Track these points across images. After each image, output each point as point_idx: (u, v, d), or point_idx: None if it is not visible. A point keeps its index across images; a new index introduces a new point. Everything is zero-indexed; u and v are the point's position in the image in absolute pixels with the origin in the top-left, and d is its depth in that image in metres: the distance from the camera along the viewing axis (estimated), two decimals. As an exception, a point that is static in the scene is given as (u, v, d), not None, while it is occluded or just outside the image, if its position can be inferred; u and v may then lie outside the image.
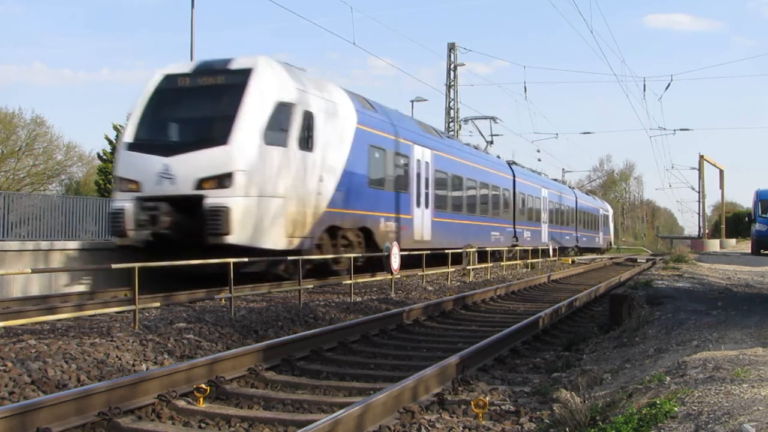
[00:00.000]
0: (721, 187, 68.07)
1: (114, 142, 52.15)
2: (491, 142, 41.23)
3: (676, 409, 4.63)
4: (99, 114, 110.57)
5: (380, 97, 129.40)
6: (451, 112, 44.57)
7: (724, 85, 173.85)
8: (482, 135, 41.28)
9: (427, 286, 20.19)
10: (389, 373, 8.16)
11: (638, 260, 48.78)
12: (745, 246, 49.46)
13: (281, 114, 16.45)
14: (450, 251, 23.23)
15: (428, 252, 21.95)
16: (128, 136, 16.81)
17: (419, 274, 22.94)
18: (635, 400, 5.24)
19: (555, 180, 50.37)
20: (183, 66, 17.70)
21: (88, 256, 19.19)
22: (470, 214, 29.53)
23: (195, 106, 16.95)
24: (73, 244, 19.03)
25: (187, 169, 15.56)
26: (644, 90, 55.32)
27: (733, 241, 61.53)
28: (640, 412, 4.69)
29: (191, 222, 15.58)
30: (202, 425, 6.14)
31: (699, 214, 68.88)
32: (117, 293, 16.88)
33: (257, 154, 15.81)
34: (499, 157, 38.04)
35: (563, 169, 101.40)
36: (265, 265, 16.02)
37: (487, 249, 29.09)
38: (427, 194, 24.67)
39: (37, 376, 7.15)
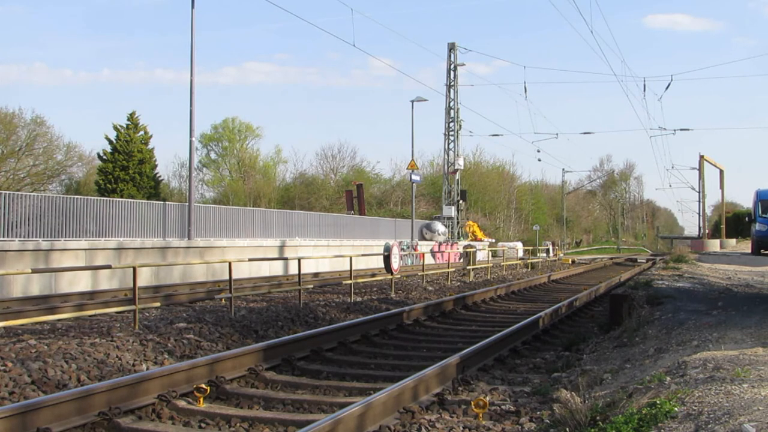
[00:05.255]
0: (721, 187, 68.10)
1: (114, 142, 52.51)
2: None
3: (676, 409, 4.63)
4: (99, 114, 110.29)
5: (380, 97, 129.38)
6: (451, 112, 44.58)
7: (724, 85, 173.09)
8: None
9: (428, 286, 20.19)
10: (389, 373, 8.15)
11: (638, 260, 48.84)
12: (745, 246, 49.42)
13: None
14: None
15: None
16: None
17: (419, 274, 22.97)
18: (635, 400, 5.23)
19: None
20: None
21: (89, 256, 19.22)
22: None
23: None
24: (73, 244, 19.04)
25: None
26: (644, 90, 55.01)
27: (733, 241, 61.44)
28: (640, 412, 4.69)
29: None
30: (202, 425, 6.13)
31: (699, 214, 68.90)
32: (117, 293, 16.89)
33: None
34: None
35: (563, 169, 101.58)
36: None
37: None
38: None
39: (37, 376, 7.15)
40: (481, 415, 6.10)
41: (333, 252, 31.32)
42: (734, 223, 66.13)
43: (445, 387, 7.11)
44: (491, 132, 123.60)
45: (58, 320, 11.29)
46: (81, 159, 58.73)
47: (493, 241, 55.73)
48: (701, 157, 65.26)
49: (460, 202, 46.46)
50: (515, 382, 7.78)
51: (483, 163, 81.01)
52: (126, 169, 51.29)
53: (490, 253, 40.25)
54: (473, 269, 26.74)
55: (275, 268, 26.45)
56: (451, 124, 44.66)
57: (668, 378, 5.80)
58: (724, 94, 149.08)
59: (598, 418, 5.11)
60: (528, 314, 13.69)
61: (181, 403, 6.61)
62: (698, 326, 9.03)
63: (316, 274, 24.92)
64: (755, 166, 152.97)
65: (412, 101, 37.58)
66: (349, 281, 16.32)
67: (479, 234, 51.08)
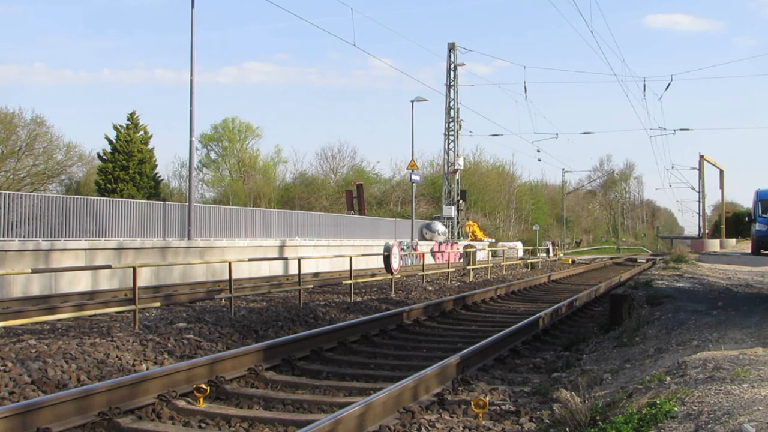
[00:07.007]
0: (721, 187, 68.10)
1: (114, 142, 52.51)
2: None
3: (676, 409, 4.63)
4: (99, 114, 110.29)
5: (380, 97, 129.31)
6: (451, 112, 44.58)
7: (724, 85, 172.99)
8: None
9: (427, 286, 20.19)
10: (389, 373, 8.15)
11: (638, 260, 48.83)
12: (745, 246, 49.41)
13: None
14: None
15: None
16: None
17: (419, 274, 22.98)
18: (635, 400, 5.23)
19: None
20: None
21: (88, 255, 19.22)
22: None
23: None
24: (73, 244, 19.04)
25: None
26: (644, 90, 54.91)
27: (733, 241, 61.42)
28: (640, 412, 4.69)
29: None
30: (202, 425, 6.13)
31: (699, 214, 68.92)
32: (117, 293, 16.89)
33: None
34: None
35: (563, 169, 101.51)
36: None
37: None
38: None
39: (37, 376, 7.15)
40: (481, 415, 6.10)
41: (333, 252, 31.32)
42: (734, 223, 66.10)
43: (445, 387, 7.11)
44: (491, 132, 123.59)
45: (58, 320, 11.29)
46: (81, 159, 58.80)
47: (493, 241, 55.73)
48: (701, 157, 65.27)
49: (460, 202, 46.46)
50: (515, 382, 7.78)
51: (483, 163, 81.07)
52: (126, 169, 51.29)
53: (490, 253, 40.25)
54: (473, 269, 26.74)
55: (275, 268, 26.45)
56: (451, 124, 44.66)
57: (668, 378, 5.80)
58: (724, 94, 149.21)
59: (598, 418, 5.11)
60: (528, 314, 13.68)
61: (181, 403, 6.61)
62: (698, 326, 9.03)
63: (316, 274, 24.91)
64: (755, 166, 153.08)
65: (412, 101, 37.59)
66: (349, 281, 16.31)
67: (479, 234, 51.08)
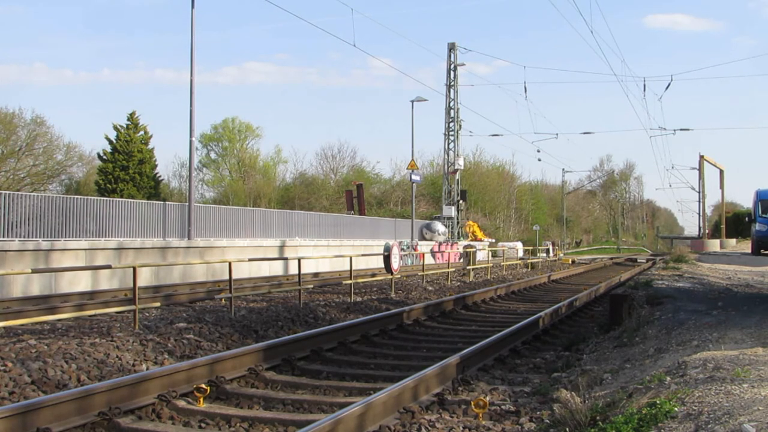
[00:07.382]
0: (721, 187, 68.08)
1: (114, 142, 52.50)
2: None
3: (676, 409, 4.63)
4: (99, 114, 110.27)
5: (380, 97, 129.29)
6: (451, 112, 44.58)
7: (724, 85, 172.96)
8: None
9: (427, 286, 20.19)
10: (389, 373, 8.15)
11: (638, 260, 48.84)
12: (745, 246, 49.40)
13: None
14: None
15: None
16: None
17: (419, 274, 22.98)
18: (635, 400, 5.23)
19: None
20: None
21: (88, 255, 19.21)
22: None
23: None
24: (73, 244, 19.04)
25: None
26: (644, 90, 55.21)
27: (733, 241, 61.39)
28: (640, 412, 4.69)
29: None
30: (202, 425, 6.13)
31: (699, 214, 68.91)
32: (117, 293, 16.89)
33: None
34: None
35: (563, 169, 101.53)
36: None
37: None
38: None
39: (37, 376, 7.15)
40: (481, 415, 6.09)
41: (333, 252, 31.32)
42: (734, 223, 66.06)
43: (445, 387, 7.11)
44: (491, 132, 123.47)
45: (58, 320, 11.29)
46: (81, 159, 58.79)
47: (493, 241, 55.74)
48: (701, 157, 65.27)
49: (460, 202, 46.47)
50: (515, 382, 7.78)
51: (483, 163, 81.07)
52: (126, 169, 51.29)
53: (490, 253, 40.25)
54: (473, 269, 26.74)
55: (275, 268, 26.45)
56: (451, 124, 44.66)
57: (668, 378, 5.80)
58: (724, 94, 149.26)
59: (598, 418, 5.11)
60: (528, 314, 13.68)
61: (181, 403, 6.61)
62: (698, 326, 9.03)
63: (316, 274, 24.91)
64: (755, 166, 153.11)
65: (412, 101, 37.59)
66: (349, 281, 16.31)
67: (479, 234, 51.08)
